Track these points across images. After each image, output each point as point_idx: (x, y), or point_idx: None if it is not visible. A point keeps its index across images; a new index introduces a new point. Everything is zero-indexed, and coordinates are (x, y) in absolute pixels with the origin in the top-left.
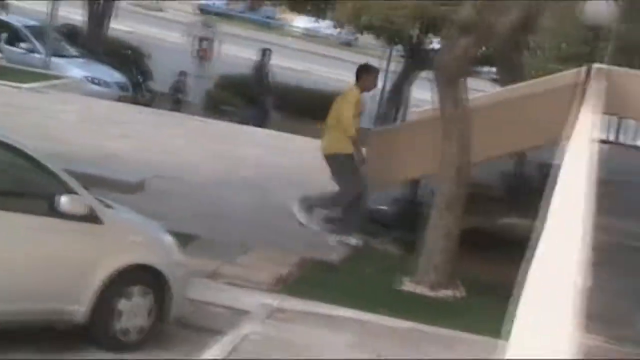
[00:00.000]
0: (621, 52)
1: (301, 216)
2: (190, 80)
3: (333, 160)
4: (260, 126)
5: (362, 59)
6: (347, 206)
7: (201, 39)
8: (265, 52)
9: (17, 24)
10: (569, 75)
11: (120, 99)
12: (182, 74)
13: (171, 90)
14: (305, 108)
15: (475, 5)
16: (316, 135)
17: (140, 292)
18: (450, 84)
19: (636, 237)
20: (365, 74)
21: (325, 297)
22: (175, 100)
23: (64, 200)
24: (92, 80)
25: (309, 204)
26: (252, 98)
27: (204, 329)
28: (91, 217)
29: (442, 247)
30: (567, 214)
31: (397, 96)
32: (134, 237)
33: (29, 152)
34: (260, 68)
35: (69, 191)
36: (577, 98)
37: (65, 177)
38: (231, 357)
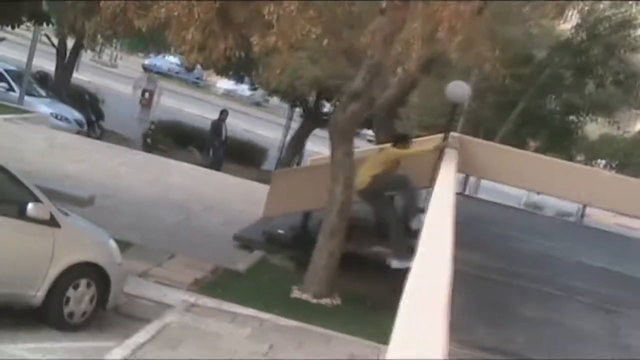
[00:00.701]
0: (469, 124)
1: None
2: (133, 123)
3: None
4: (217, 170)
5: (269, 117)
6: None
7: (144, 91)
8: (223, 112)
9: None
10: (434, 139)
11: (77, 133)
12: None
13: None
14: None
15: (364, 79)
16: (232, 172)
17: (85, 284)
18: (341, 139)
19: (477, 266)
20: (402, 141)
21: (231, 298)
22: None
23: (30, 207)
24: (56, 116)
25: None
26: (207, 146)
27: (135, 317)
28: (52, 222)
29: (325, 265)
30: (435, 243)
31: (295, 147)
32: (84, 240)
33: (6, 167)
34: (219, 124)
35: (36, 200)
36: (439, 157)
37: (33, 189)
38: (154, 341)
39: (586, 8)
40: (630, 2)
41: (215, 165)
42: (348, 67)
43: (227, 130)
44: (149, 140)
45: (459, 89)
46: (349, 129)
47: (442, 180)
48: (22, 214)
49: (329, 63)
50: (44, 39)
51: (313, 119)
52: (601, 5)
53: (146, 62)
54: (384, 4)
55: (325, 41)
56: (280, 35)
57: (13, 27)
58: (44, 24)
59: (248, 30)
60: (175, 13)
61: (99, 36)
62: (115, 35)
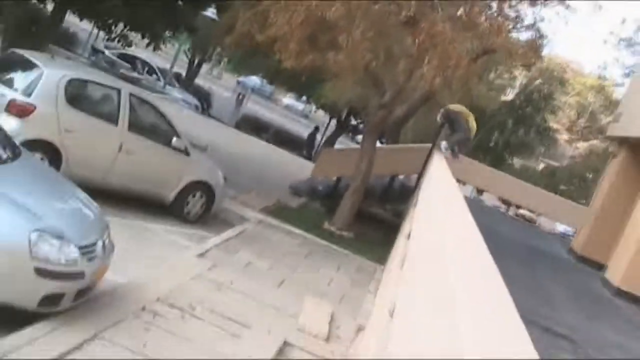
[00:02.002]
0: None
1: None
2: (229, 114)
3: None
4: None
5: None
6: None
7: (239, 94)
8: (316, 128)
9: (153, 65)
10: (422, 147)
11: (195, 112)
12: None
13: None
14: None
15: (391, 96)
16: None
17: (200, 195)
18: (369, 133)
19: None
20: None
21: (286, 221)
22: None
23: (175, 140)
24: (184, 100)
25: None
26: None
27: (226, 222)
28: (185, 152)
29: (348, 211)
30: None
31: (328, 144)
32: (203, 167)
33: (163, 111)
34: (314, 134)
35: (178, 136)
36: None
37: (177, 128)
38: (236, 237)
39: (524, 81)
40: (556, 80)
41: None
42: (373, 92)
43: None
44: (238, 125)
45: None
46: (375, 128)
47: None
48: (168, 144)
49: (361, 88)
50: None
51: (342, 127)
52: (536, 82)
53: (239, 78)
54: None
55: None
56: (347, 56)
57: (163, 43)
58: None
59: (326, 51)
60: (282, 32)
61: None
62: (238, 49)
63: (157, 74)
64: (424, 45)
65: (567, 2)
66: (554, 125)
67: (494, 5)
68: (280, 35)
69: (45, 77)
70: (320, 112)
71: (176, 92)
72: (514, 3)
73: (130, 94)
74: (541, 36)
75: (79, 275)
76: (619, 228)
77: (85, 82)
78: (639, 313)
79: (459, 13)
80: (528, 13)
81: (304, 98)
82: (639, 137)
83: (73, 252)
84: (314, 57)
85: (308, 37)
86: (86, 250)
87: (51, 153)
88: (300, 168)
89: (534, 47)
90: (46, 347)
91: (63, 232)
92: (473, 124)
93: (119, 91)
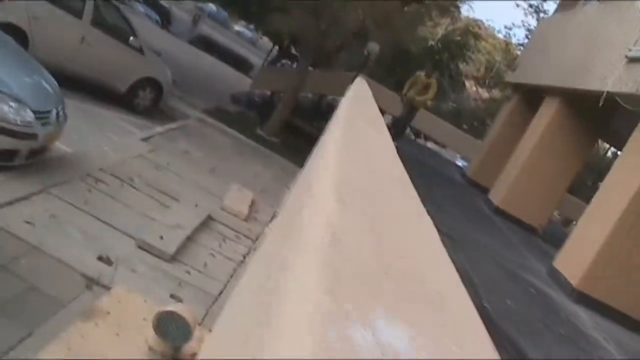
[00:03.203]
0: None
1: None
2: None
3: None
4: None
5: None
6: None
7: (195, 14)
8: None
9: None
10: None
11: (155, 25)
12: None
13: None
14: None
15: (327, 24)
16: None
17: (149, 90)
18: (306, 56)
19: None
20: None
21: (223, 122)
22: None
23: (132, 39)
24: (146, 14)
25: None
26: None
27: (170, 117)
28: (140, 50)
29: (277, 121)
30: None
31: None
32: (154, 66)
33: (122, 10)
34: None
35: (135, 35)
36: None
37: (135, 28)
38: (178, 129)
39: (444, 32)
40: (471, 35)
41: None
42: (312, 21)
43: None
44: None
45: (373, 47)
46: (309, 52)
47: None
48: (126, 42)
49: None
50: None
51: (283, 55)
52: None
53: (198, 4)
54: None
55: None
56: None
57: None
58: None
59: None
60: None
61: None
62: None
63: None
64: None
65: None
66: (464, 73)
67: None
68: None
69: None
70: (266, 40)
71: (139, 6)
72: None
73: None
74: None
75: (32, 136)
76: (504, 160)
77: None
78: (509, 225)
79: None
80: None
81: (252, 26)
82: (529, 84)
83: (29, 116)
84: None
85: None
86: (41, 116)
87: (20, 38)
88: (241, 83)
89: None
90: None
91: (22, 98)
92: None
93: None
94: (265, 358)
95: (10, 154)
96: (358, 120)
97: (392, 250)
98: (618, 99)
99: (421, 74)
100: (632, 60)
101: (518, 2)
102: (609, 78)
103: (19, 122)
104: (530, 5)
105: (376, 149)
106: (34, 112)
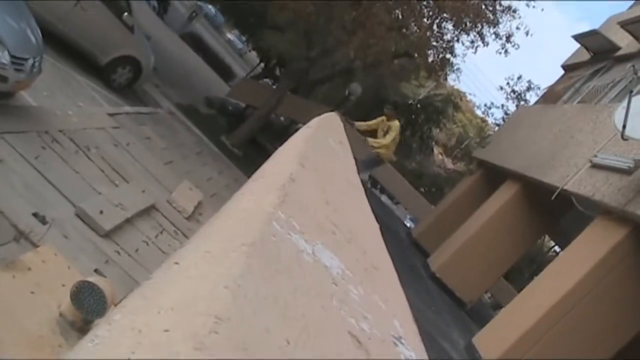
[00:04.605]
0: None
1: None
2: None
3: None
4: None
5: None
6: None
7: (193, 12)
8: None
9: None
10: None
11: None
12: None
13: None
14: None
15: (317, 53)
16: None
17: (128, 69)
18: (288, 78)
19: None
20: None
21: (192, 121)
22: None
23: (125, 15)
24: None
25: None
26: None
27: (142, 102)
28: (131, 29)
29: (244, 134)
30: None
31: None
32: (140, 45)
33: None
34: None
35: (130, 13)
36: None
37: (132, 7)
38: (147, 115)
39: (425, 94)
40: (451, 103)
41: None
42: (303, 44)
43: None
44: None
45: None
46: (292, 75)
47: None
48: (119, 16)
49: (293, 43)
50: None
51: (266, 73)
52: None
53: (198, 2)
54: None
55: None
56: None
57: None
58: None
59: None
60: None
61: None
62: None
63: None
64: (358, 20)
65: (486, 34)
66: (435, 139)
67: (426, 16)
68: None
69: None
70: (254, 55)
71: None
72: (443, 23)
73: None
74: (452, 55)
75: (3, 78)
76: (451, 229)
77: None
78: (441, 294)
79: (397, 11)
80: (449, 29)
81: (244, 38)
82: (495, 164)
83: (4, 58)
84: None
85: None
86: (16, 61)
87: None
88: (219, 88)
89: (443, 64)
90: None
91: (3, 39)
92: None
93: None
94: None
95: None
96: (328, 137)
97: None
98: (574, 199)
99: (384, 117)
100: (595, 166)
101: (503, 85)
102: (570, 177)
103: None
104: (514, 91)
105: (340, 164)
106: (11, 56)
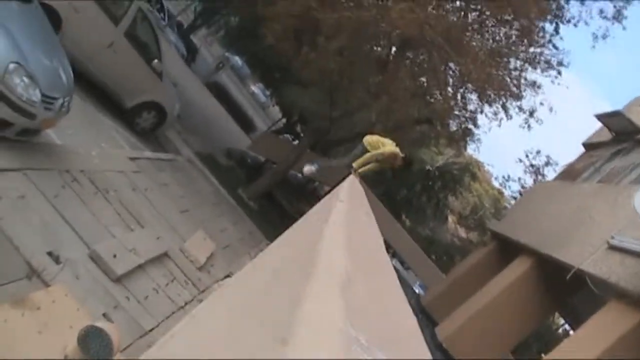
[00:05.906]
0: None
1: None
2: None
3: None
4: None
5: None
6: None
7: (220, 62)
8: None
9: (164, 5)
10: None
11: (180, 58)
12: None
13: None
14: None
15: (339, 113)
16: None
17: (154, 114)
18: (309, 135)
19: None
20: None
21: (211, 171)
22: None
23: (155, 62)
24: (175, 45)
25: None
26: None
27: (163, 147)
28: (160, 75)
29: (261, 188)
30: None
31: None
32: (167, 94)
33: (158, 34)
34: None
35: (160, 60)
36: None
37: (162, 54)
38: (167, 161)
39: (444, 161)
40: (469, 173)
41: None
42: (326, 104)
43: None
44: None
45: None
46: (313, 133)
47: None
48: (149, 62)
49: (316, 102)
50: None
51: (287, 129)
52: (454, 166)
53: (227, 53)
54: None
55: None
56: (318, 57)
57: None
58: None
59: (303, 46)
60: (276, 14)
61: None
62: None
63: (164, 13)
64: (383, 84)
65: (509, 107)
66: (450, 207)
67: (451, 85)
68: (274, 15)
69: None
70: (276, 109)
71: (172, 36)
72: (467, 94)
73: (140, 8)
74: (475, 125)
75: (32, 116)
76: (461, 299)
77: None
78: None
79: (422, 79)
80: (473, 100)
81: (268, 92)
82: (509, 237)
83: (36, 96)
84: (291, 46)
85: (294, 28)
86: (46, 100)
87: (55, 21)
88: (240, 140)
89: (465, 134)
90: None
91: (36, 77)
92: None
93: (132, 0)
94: None
95: (4, 124)
96: (360, 212)
97: None
98: (588, 280)
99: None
100: (612, 247)
101: (522, 157)
102: (586, 257)
103: (24, 98)
104: (532, 165)
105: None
106: (42, 94)
